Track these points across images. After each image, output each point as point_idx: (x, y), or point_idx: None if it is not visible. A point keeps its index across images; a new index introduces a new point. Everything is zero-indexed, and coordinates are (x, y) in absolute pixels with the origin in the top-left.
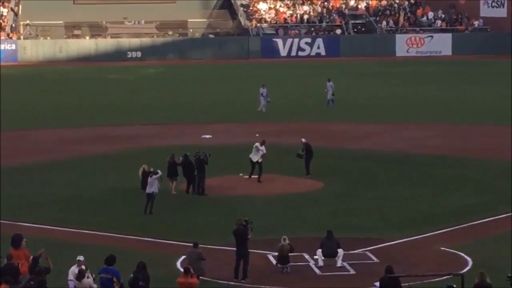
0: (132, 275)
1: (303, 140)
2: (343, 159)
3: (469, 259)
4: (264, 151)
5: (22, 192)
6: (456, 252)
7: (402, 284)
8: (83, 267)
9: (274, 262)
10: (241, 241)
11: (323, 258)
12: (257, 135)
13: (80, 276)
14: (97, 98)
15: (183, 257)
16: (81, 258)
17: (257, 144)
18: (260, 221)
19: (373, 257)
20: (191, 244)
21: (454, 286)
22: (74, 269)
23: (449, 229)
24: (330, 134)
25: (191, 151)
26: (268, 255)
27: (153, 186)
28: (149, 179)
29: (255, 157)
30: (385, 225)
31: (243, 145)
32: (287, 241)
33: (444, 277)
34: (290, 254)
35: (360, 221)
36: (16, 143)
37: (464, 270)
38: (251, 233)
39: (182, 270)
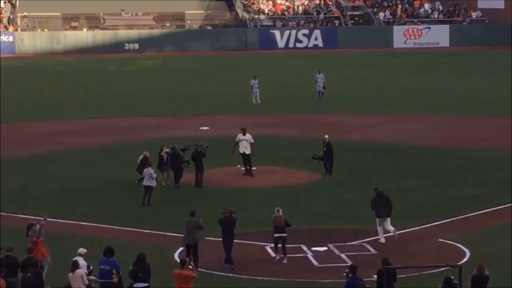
0: (132, 266)
1: (326, 136)
2: (341, 150)
3: (467, 250)
4: (251, 140)
5: (21, 184)
6: (455, 243)
7: (400, 276)
8: (79, 258)
9: (272, 254)
10: (227, 229)
11: (383, 232)
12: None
13: (73, 267)
14: (94, 90)
15: (181, 248)
16: (82, 251)
17: (239, 135)
18: (258, 212)
19: (371, 249)
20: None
21: (452, 277)
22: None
23: (447, 220)
24: (328, 126)
25: (188, 143)
26: (266, 247)
27: (150, 178)
28: (145, 171)
29: (245, 149)
30: None
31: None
32: (281, 212)
33: (442, 269)
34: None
35: (358, 213)
36: (14, 135)
37: (462, 262)
38: (237, 223)
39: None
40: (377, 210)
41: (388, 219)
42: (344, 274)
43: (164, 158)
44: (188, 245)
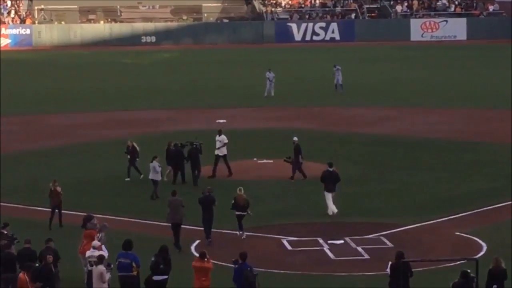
0: (153, 258)
1: (295, 138)
2: (357, 143)
3: (483, 244)
4: (225, 141)
5: (36, 176)
6: (471, 237)
7: (416, 269)
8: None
9: (289, 247)
10: (207, 207)
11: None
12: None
13: (97, 261)
14: (111, 83)
15: (198, 241)
16: (96, 244)
17: (216, 137)
18: (274, 205)
19: (387, 242)
20: (203, 228)
21: (469, 271)
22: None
23: (464, 213)
24: (344, 119)
25: (204, 136)
26: (282, 240)
27: (154, 172)
28: (150, 164)
29: (219, 151)
30: (399, 210)
31: (257, 130)
32: (242, 191)
33: (459, 262)
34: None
35: (375, 206)
36: (30, 127)
37: (479, 255)
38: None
39: (197, 254)
40: (327, 185)
41: (333, 194)
42: (233, 260)
43: (171, 153)
44: (173, 223)
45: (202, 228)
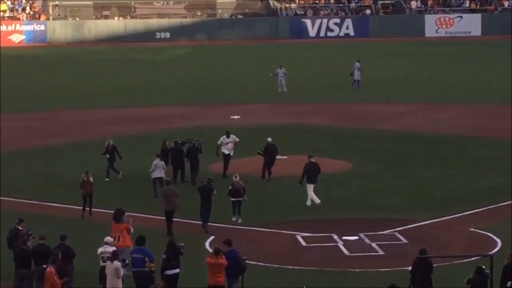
0: (164, 256)
1: (269, 139)
2: (372, 139)
3: (498, 240)
4: (237, 139)
5: (51, 172)
6: (486, 233)
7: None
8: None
9: (303, 243)
10: (206, 196)
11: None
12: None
13: (111, 257)
14: (125, 79)
15: (212, 237)
16: (108, 239)
17: (222, 138)
18: (289, 201)
19: (402, 238)
20: (218, 224)
21: (483, 267)
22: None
23: (478, 210)
24: (359, 115)
25: (218, 133)
26: (296, 236)
27: (162, 170)
28: (157, 163)
29: (230, 151)
30: (414, 206)
31: (272, 126)
32: (238, 178)
33: (473, 258)
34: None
35: (389, 202)
36: (45, 124)
37: (494, 251)
38: (215, 190)
39: (211, 250)
40: (309, 177)
41: (315, 185)
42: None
43: (167, 152)
44: (168, 211)
45: (212, 224)
